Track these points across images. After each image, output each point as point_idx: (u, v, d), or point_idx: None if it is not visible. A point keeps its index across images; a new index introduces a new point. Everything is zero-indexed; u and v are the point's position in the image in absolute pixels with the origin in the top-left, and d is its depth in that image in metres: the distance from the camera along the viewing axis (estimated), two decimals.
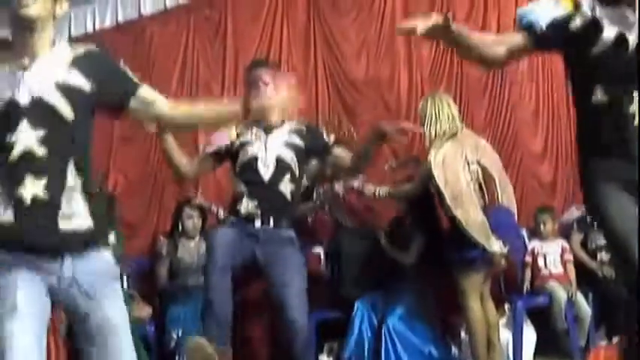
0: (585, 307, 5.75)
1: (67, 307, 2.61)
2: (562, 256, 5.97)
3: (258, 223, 4.34)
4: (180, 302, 6.22)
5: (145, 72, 7.91)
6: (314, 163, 4.99)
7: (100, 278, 2.60)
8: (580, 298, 5.77)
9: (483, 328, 5.19)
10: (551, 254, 5.99)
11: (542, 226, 6.04)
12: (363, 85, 7.11)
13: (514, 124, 6.59)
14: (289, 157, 4.46)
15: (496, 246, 5.03)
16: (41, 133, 2.52)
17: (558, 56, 6.29)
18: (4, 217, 2.47)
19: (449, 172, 5.11)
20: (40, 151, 2.51)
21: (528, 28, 3.23)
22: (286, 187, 4.41)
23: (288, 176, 4.42)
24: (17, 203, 2.46)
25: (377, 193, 5.18)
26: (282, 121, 4.56)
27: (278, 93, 4.31)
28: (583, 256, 6.00)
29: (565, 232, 6.18)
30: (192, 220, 6.46)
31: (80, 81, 2.64)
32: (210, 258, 4.26)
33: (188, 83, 7.85)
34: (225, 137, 4.52)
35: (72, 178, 2.60)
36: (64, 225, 2.52)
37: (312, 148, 4.56)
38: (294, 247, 4.46)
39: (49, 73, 2.59)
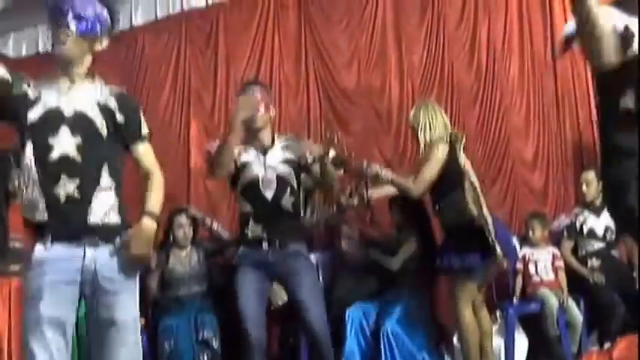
0: (577, 314, 5.77)
1: (84, 297, 2.87)
2: (553, 262, 5.99)
3: (265, 245, 4.47)
4: (172, 313, 6.21)
5: (137, 82, 7.97)
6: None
7: (120, 273, 2.90)
8: (571, 304, 5.80)
9: (476, 336, 5.19)
10: (542, 261, 6.02)
11: (532, 233, 6.06)
12: (354, 94, 7.14)
13: (505, 133, 6.62)
14: (287, 172, 4.56)
15: (500, 252, 5.05)
16: (79, 140, 2.93)
17: (549, 66, 6.46)
18: (38, 214, 2.83)
19: (473, 176, 5.17)
20: (76, 156, 2.92)
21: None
22: (287, 202, 4.51)
23: (288, 191, 4.53)
24: (51, 200, 2.83)
25: (381, 174, 5.14)
26: (273, 140, 4.68)
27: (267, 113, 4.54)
28: (574, 262, 6.03)
29: (556, 239, 6.21)
30: (183, 230, 6.46)
31: (114, 108, 3.09)
32: (242, 309, 4.38)
33: (180, 93, 7.87)
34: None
35: (106, 180, 3.01)
36: (94, 219, 2.90)
37: (300, 162, 4.64)
38: (303, 257, 4.59)
39: (92, 94, 3.06)
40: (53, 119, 2.93)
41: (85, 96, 3.03)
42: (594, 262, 5.97)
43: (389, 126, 6.97)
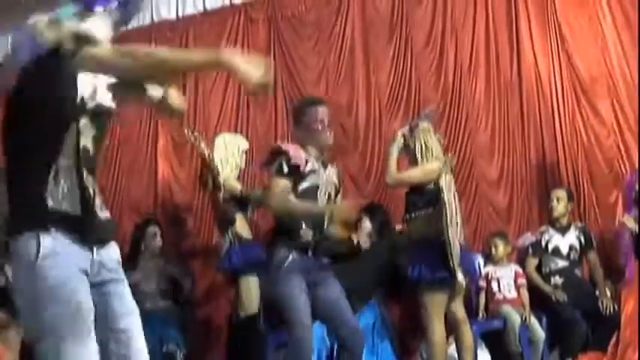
0: (539, 331, 5.83)
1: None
2: (516, 280, 6.04)
3: (310, 253, 4.54)
4: None
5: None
6: None
7: (119, 266, 2.68)
8: (534, 321, 5.85)
9: (444, 351, 5.22)
10: (505, 279, 6.07)
11: (494, 250, 6.12)
12: None
13: (470, 152, 6.69)
14: (334, 191, 4.73)
15: (460, 276, 5.11)
16: (95, 133, 2.61)
17: (514, 86, 6.55)
18: (72, 210, 2.50)
19: (450, 195, 5.21)
20: (92, 149, 2.59)
21: None
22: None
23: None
24: (83, 196, 2.53)
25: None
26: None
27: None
28: (537, 279, 6.09)
29: (520, 257, 6.28)
30: (156, 239, 6.46)
31: None
32: (301, 319, 4.37)
33: (147, 108, 7.83)
34: (302, 154, 4.57)
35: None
36: (102, 214, 2.62)
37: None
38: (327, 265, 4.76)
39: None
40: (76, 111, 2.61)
41: (102, 84, 2.62)
42: (557, 280, 6.04)
43: (356, 143, 7.00)
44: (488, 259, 6.22)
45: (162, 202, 7.53)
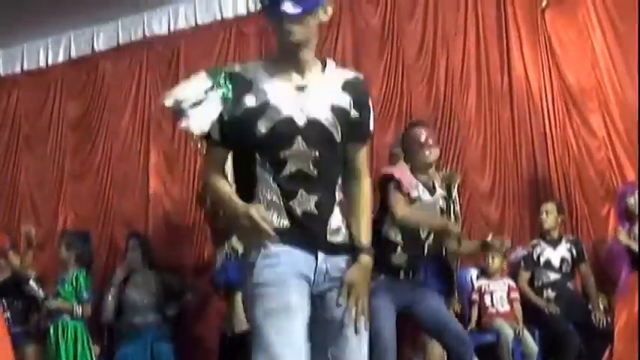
0: (532, 344, 5.82)
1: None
2: (509, 294, 6.03)
3: (402, 274, 4.57)
4: (128, 341, 6.18)
5: (97, 107, 7.96)
6: None
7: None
8: (527, 335, 5.83)
9: None
10: (498, 292, 6.05)
11: (490, 262, 6.11)
12: None
13: (462, 165, 6.68)
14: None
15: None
16: (315, 153, 2.60)
17: (505, 98, 6.56)
18: (281, 224, 2.56)
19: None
20: (313, 170, 2.59)
21: None
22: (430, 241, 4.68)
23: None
24: (290, 215, 2.57)
25: None
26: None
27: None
28: (530, 293, 6.07)
29: (513, 270, 6.27)
30: (134, 253, 6.45)
31: (348, 105, 2.69)
32: (387, 347, 4.40)
33: (140, 120, 7.87)
34: (411, 179, 4.61)
35: (338, 195, 2.69)
36: (332, 238, 2.63)
37: None
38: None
39: (325, 95, 2.65)
40: (283, 130, 2.62)
41: (318, 101, 2.64)
42: (550, 293, 6.02)
43: None
44: (481, 272, 6.22)
45: (153, 217, 7.52)
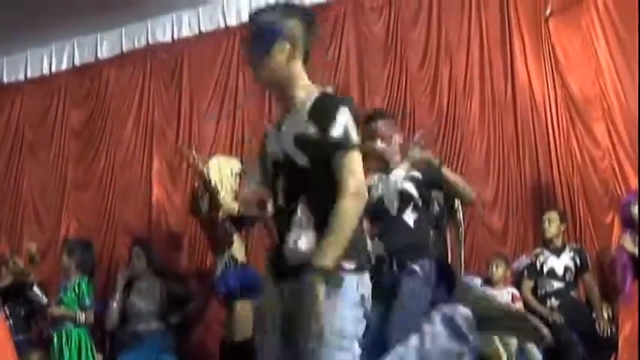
0: (536, 354, 5.77)
1: None
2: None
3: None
4: (131, 350, 6.14)
5: (101, 115, 7.96)
6: None
7: None
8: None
9: None
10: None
11: (494, 271, 6.10)
12: None
13: (465, 173, 6.61)
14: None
15: None
16: (287, 185, 2.75)
17: (509, 107, 6.55)
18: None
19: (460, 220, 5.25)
20: (283, 204, 2.76)
21: None
22: None
23: None
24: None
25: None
26: None
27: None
28: (533, 301, 6.06)
29: (516, 279, 6.26)
30: (136, 260, 6.44)
31: (312, 131, 2.69)
32: None
33: (143, 127, 7.86)
34: None
35: (302, 214, 2.70)
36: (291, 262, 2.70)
37: None
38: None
39: (291, 128, 2.74)
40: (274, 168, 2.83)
41: (287, 135, 2.75)
42: (553, 302, 6.01)
43: None
44: (485, 281, 6.20)
45: (156, 225, 7.51)
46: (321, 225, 2.59)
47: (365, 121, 4.63)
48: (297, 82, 2.78)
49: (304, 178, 2.68)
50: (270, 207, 2.92)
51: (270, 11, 2.81)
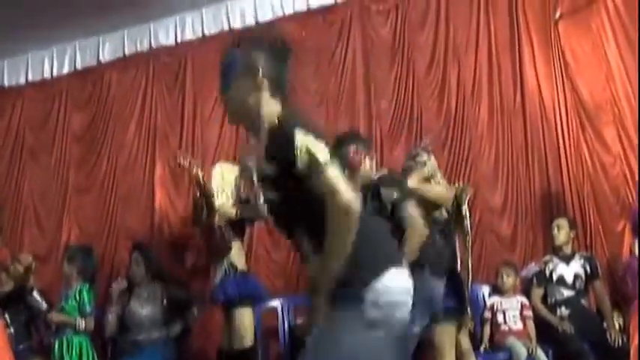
0: None
1: None
2: (522, 312, 5.94)
3: None
4: (131, 357, 6.07)
5: (103, 119, 7.89)
6: None
7: None
8: (540, 353, 5.72)
9: None
10: (511, 310, 5.96)
11: (504, 280, 6.01)
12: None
13: (473, 179, 6.57)
14: None
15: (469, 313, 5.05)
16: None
17: (518, 112, 6.47)
18: None
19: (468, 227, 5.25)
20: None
21: None
22: None
23: None
24: None
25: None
26: None
27: None
28: (543, 310, 5.98)
29: (525, 287, 6.17)
30: (135, 266, 6.36)
31: (275, 170, 2.65)
32: None
33: (145, 131, 7.78)
34: None
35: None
36: None
37: None
38: None
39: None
40: None
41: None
42: (563, 311, 5.92)
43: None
44: (494, 289, 6.12)
45: (158, 231, 7.42)
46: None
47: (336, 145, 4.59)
48: (260, 114, 2.74)
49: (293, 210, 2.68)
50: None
51: (236, 47, 2.81)
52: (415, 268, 4.23)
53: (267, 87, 2.75)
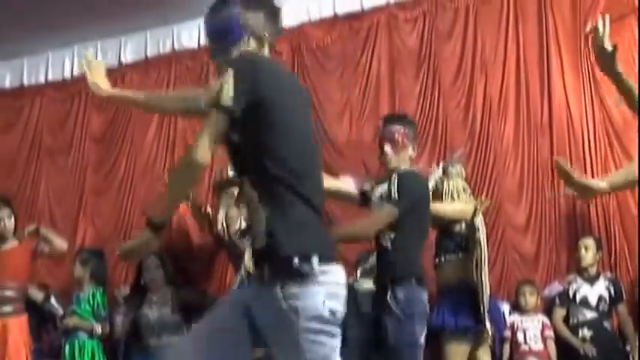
0: None
1: None
2: (542, 331, 5.84)
3: None
4: None
5: (122, 121, 7.84)
6: None
7: None
8: None
9: None
10: (531, 330, 5.87)
11: (524, 299, 5.90)
12: (343, 145, 6.98)
13: (497, 195, 6.46)
14: None
15: (487, 324, 4.93)
16: None
17: (544, 128, 6.34)
18: None
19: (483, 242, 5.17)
20: None
21: None
22: None
23: None
24: None
25: None
26: None
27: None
28: (565, 331, 5.87)
29: (547, 306, 6.06)
30: (149, 272, 6.28)
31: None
32: None
33: (165, 134, 7.73)
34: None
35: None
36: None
37: None
38: None
39: None
40: None
41: None
42: (586, 333, 5.82)
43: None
44: (515, 307, 6.00)
45: (176, 235, 7.34)
46: None
47: (385, 121, 4.71)
48: None
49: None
50: None
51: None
52: (422, 283, 4.28)
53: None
